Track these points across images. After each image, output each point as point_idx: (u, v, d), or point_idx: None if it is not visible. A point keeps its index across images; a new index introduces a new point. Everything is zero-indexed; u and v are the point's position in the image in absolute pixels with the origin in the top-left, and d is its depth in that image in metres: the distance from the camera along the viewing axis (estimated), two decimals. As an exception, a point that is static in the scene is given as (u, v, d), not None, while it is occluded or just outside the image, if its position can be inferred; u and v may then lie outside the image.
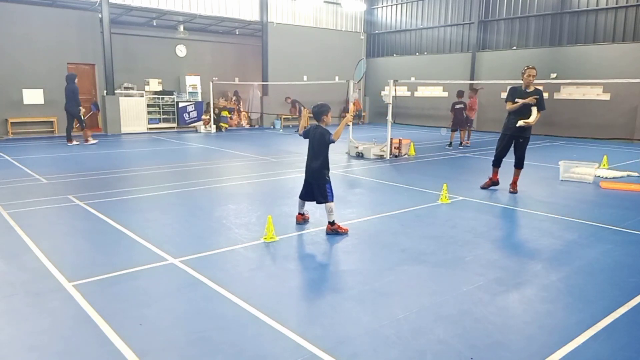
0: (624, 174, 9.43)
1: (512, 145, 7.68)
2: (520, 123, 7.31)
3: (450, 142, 14.24)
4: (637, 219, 6.27)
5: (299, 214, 5.90)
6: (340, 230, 5.44)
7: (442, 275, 4.31)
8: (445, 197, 7.16)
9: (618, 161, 11.23)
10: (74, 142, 13.80)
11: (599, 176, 9.09)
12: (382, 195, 7.75)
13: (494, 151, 7.96)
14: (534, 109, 7.27)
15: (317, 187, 5.53)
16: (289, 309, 3.63)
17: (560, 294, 3.96)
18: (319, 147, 5.52)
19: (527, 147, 7.69)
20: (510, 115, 7.57)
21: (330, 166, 5.64)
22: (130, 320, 3.42)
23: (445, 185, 7.34)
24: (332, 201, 5.47)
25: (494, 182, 7.97)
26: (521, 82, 7.55)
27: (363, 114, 23.64)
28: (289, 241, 5.24)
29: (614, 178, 9.09)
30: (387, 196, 7.64)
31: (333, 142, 5.45)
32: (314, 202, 5.65)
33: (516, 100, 7.41)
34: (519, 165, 7.71)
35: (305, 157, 5.71)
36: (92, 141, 14.07)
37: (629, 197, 7.63)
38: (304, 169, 5.74)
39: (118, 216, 6.13)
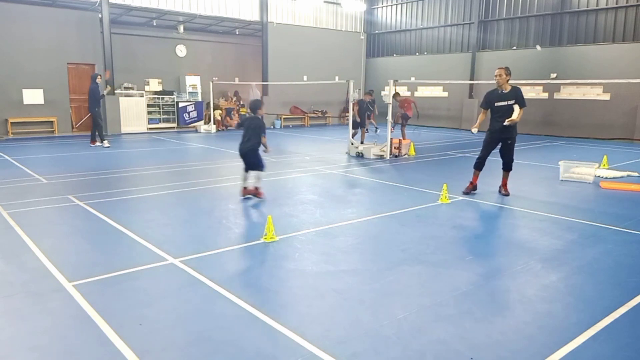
0: (624, 174, 9.42)
1: (499, 147, 7.52)
2: (507, 122, 7.14)
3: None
4: (637, 219, 6.27)
5: (244, 187, 7.06)
6: (259, 195, 6.98)
7: (442, 275, 4.31)
8: (445, 197, 7.16)
9: (618, 161, 11.22)
10: (97, 144, 13.56)
11: (599, 176, 9.08)
12: (382, 195, 7.75)
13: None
14: (516, 107, 7.20)
15: (253, 157, 6.99)
16: (289, 309, 3.64)
17: (560, 294, 3.96)
18: (253, 133, 7.02)
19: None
20: (493, 117, 7.42)
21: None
22: (130, 320, 3.42)
23: (445, 185, 7.34)
24: (263, 170, 7.02)
25: (474, 186, 7.68)
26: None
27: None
28: (289, 241, 5.24)
29: (614, 178, 9.08)
30: (387, 196, 7.64)
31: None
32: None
33: (496, 104, 7.31)
34: (507, 168, 7.56)
35: (242, 142, 7.01)
36: (106, 144, 13.70)
37: (629, 197, 7.63)
38: (238, 150, 7.09)
39: (118, 216, 6.13)
